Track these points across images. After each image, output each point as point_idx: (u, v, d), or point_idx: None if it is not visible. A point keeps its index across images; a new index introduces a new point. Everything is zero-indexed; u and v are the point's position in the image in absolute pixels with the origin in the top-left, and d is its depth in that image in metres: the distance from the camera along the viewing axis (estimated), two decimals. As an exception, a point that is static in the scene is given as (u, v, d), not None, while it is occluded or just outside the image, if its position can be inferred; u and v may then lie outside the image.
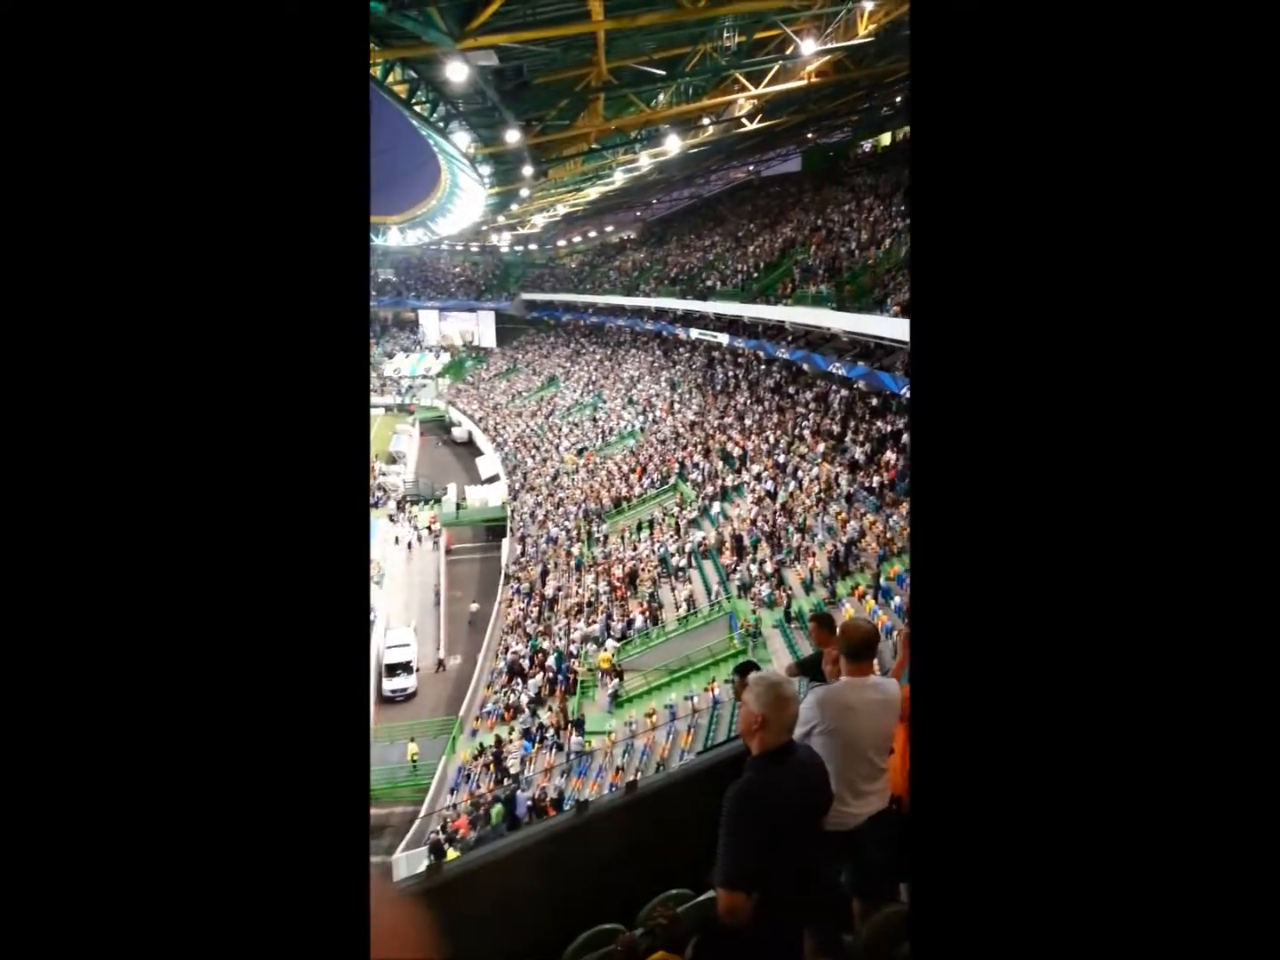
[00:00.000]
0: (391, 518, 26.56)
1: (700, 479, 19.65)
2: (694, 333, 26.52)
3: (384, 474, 31.13)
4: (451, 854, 8.66)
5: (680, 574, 16.51)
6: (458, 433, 37.73)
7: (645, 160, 20.69)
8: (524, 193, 22.09)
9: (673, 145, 18.44)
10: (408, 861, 10.89)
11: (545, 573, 19.80)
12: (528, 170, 16.94)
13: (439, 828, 11.62)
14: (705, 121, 17.91)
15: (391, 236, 40.95)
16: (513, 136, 13.91)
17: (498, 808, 11.07)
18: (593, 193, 26.79)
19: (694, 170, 28.51)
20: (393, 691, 17.08)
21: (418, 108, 13.43)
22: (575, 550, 20.27)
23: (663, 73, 13.64)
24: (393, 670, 17.29)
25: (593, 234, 43.92)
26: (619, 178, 23.49)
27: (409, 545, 24.54)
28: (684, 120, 17.28)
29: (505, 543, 23.45)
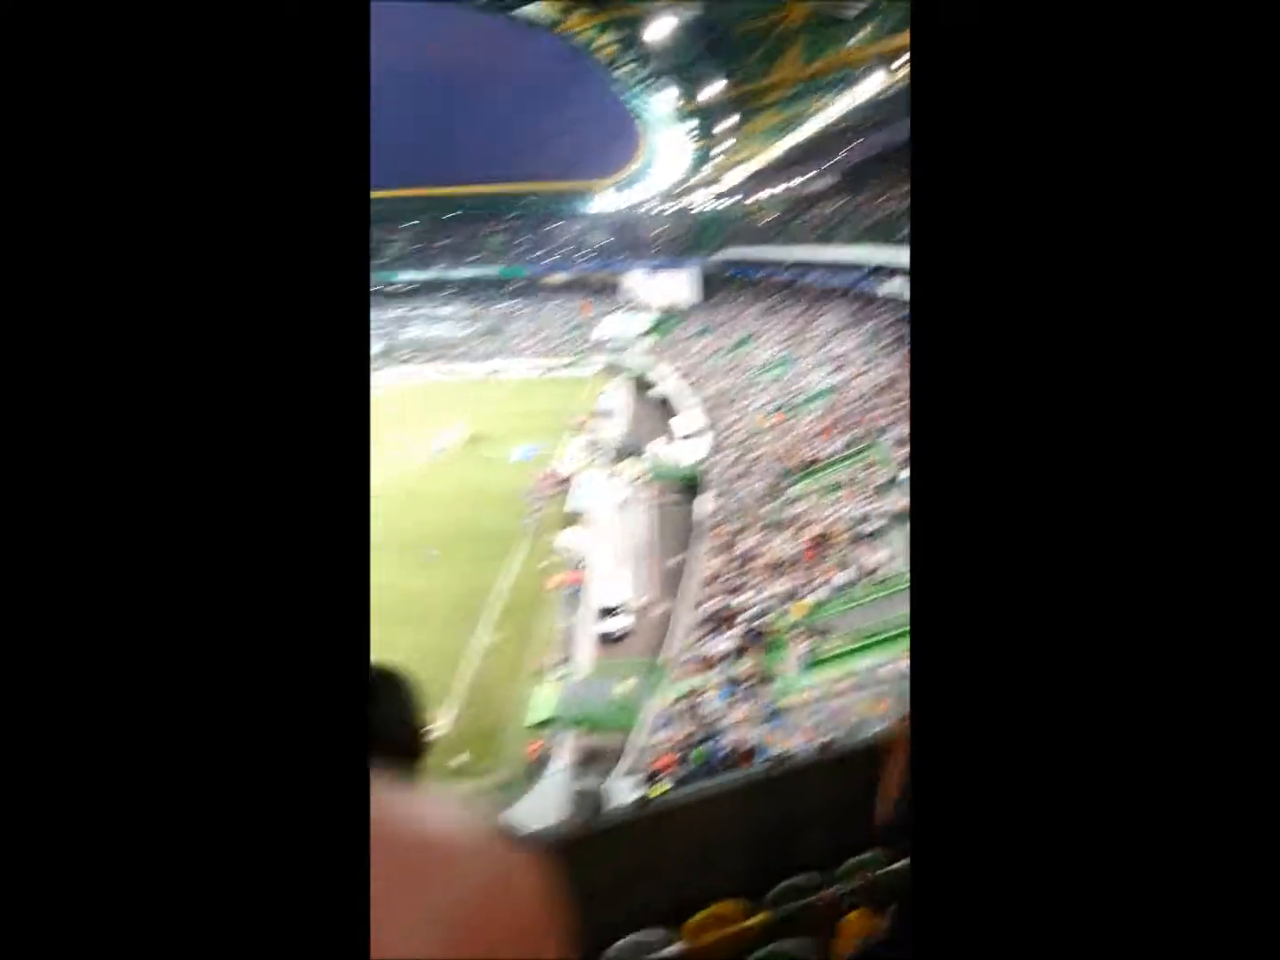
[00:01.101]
0: (606, 473, 28.09)
1: (894, 442, 18.68)
2: (894, 282, 24.81)
3: (595, 430, 32.87)
4: (655, 790, 9.33)
5: (875, 537, 15.98)
6: (656, 391, 38.70)
7: (841, 104, 19.48)
8: (723, 146, 21.77)
9: (870, 87, 17.19)
10: (616, 792, 11.82)
11: (740, 530, 20.05)
12: (727, 123, 16.69)
13: (647, 764, 12.51)
14: (904, 60, 16.48)
15: (597, 202, 42.12)
16: (713, 90, 13.77)
17: (697, 751, 11.67)
18: (789, 142, 25.74)
19: (891, 114, 26.39)
20: (606, 632, 18.38)
21: (623, 70, 13.69)
22: (767, 510, 20.25)
23: (861, 5, 12.74)
24: (606, 612, 18.60)
25: (789, 185, 42.21)
26: (815, 124, 22.35)
27: (619, 497, 25.89)
28: (883, 59, 16.04)
29: (701, 499, 23.95)
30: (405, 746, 1.03)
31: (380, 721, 1.00)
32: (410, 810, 0.36)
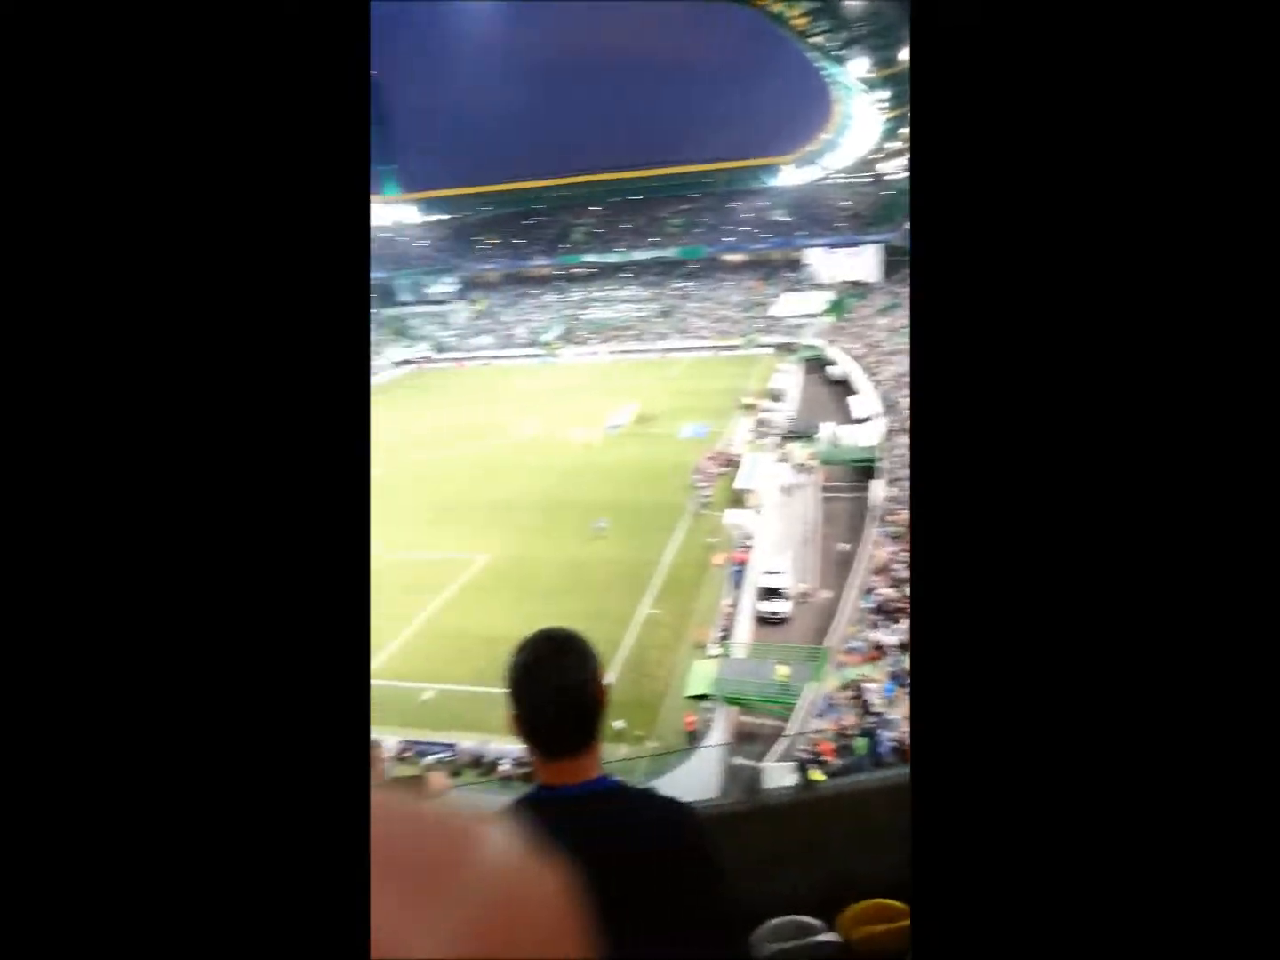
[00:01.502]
0: (775, 454, 27.75)
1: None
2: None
3: (766, 410, 32.41)
4: (815, 775, 9.15)
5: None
6: (834, 371, 37.38)
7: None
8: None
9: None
10: (773, 773, 11.74)
11: (920, 518, 18.98)
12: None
13: (805, 748, 12.34)
14: None
15: (782, 176, 41.16)
16: (906, 56, 12.94)
17: (861, 741, 11.33)
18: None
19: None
20: (766, 613, 18.24)
21: (815, 39, 13.22)
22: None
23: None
24: (767, 593, 18.44)
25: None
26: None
27: (786, 480, 25.46)
28: None
29: (874, 485, 22.95)
30: (590, 700, 1.08)
31: (565, 676, 1.06)
32: (423, 818, 0.36)
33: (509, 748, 12.77)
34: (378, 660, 16.85)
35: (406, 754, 13.78)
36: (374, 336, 60.25)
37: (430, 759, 13.76)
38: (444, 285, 65.25)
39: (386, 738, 13.14)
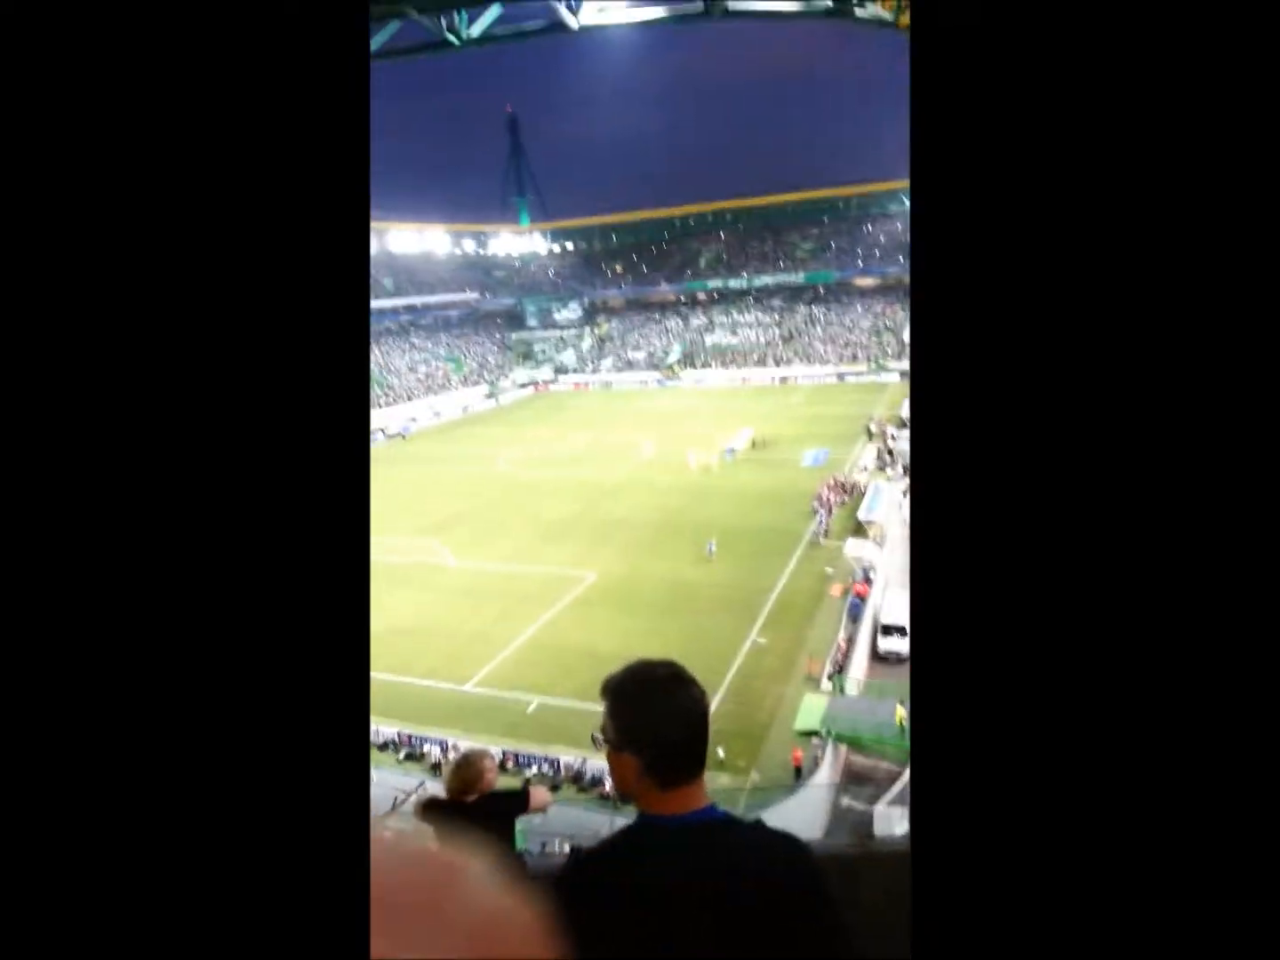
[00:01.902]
0: (901, 485, 26.48)
1: None
2: None
3: (894, 438, 31.11)
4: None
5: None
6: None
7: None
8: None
9: None
10: (886, 817, 10.94)
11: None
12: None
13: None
14: None
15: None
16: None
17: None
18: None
19: None
20: (886, 652, 17.19)
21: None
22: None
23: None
24: (888, 630, 17.40)
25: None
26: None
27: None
28: None
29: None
30: (706, 727, 1.09)
31: (690, 704, 1.07)
32: (409, 848, 0.39)
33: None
34: (485, 669, 17.17)
35: (508, 764, 13.85)
36: (500, 359, 62.96)
37: (532, 771, 13.76)
38: (569, 311, 67.45)
39: (491, 747, 13.25)
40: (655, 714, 1.07)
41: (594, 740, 1.12)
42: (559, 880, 1.02)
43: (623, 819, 1.15)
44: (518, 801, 2.43)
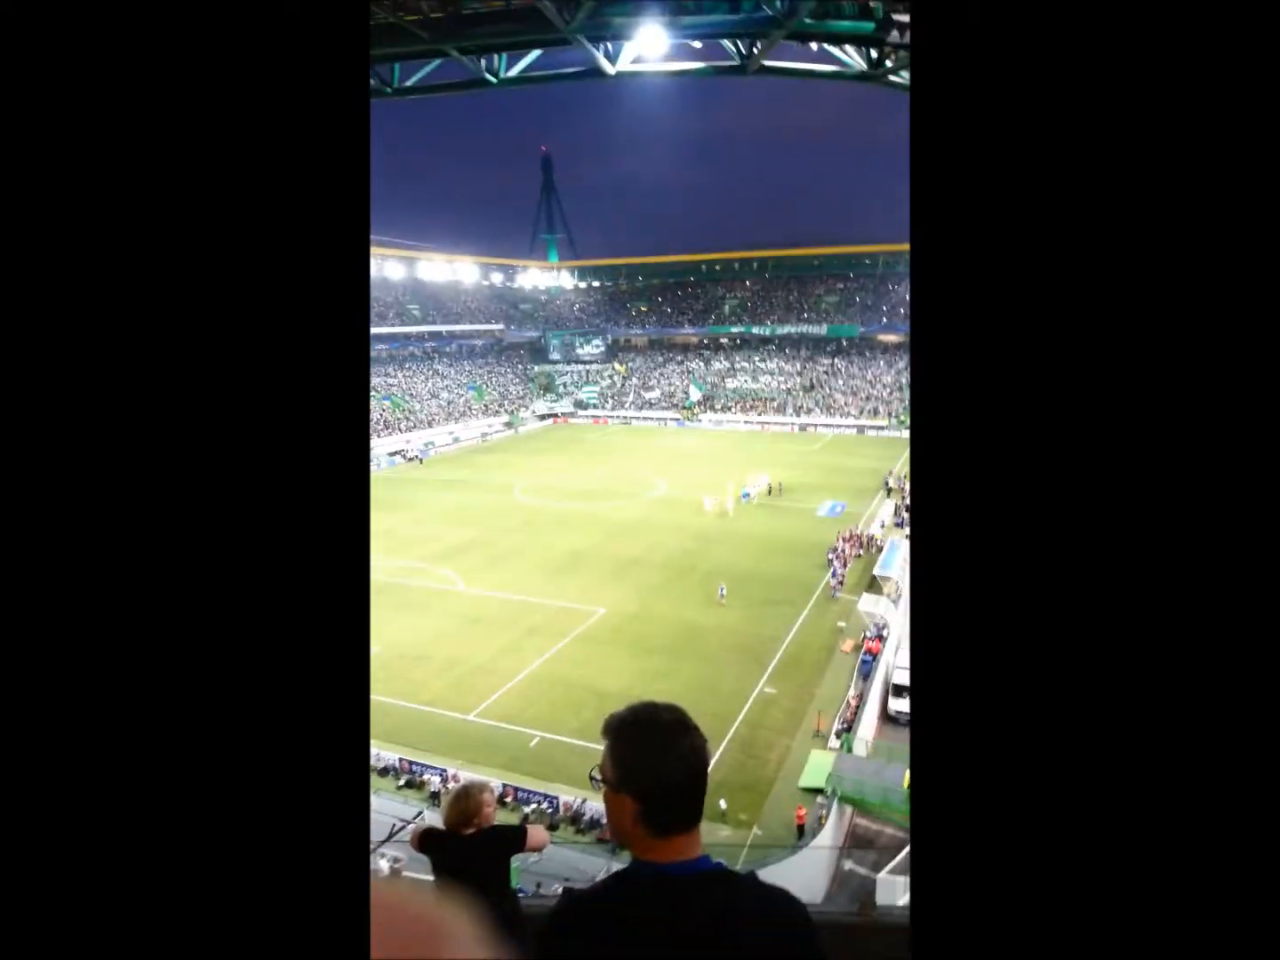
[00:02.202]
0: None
1: None
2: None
3: (910, 495, 30.96)
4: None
5: None
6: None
7: None
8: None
9: None
10: (887, 886, 10.64)
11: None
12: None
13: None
14: None
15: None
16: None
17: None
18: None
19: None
20: (896, 712, 16.89)
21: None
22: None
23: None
24: (899, 690, 17.12)
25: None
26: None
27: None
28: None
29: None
30: (705, 776, 1.07)
31: (694, 752, 1.05)
32: (394, 897, 0.40)
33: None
34: (489, 700, 17.01)
35: (507, 798, 13.63)
36: (521, 390, 63.49)
37: (531, 808, 13.53)
38: (592, 347, 68.17)
39: (492, 780, 13.06)
40: (656, 758, 1.04)
41: (591, 779, 1.10)
42: (550, 921, 1.01)
43: (619, 864, 1.12)
44: (516, 839, 2.38)
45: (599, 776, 1.08)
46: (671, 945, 0.93)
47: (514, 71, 10.20)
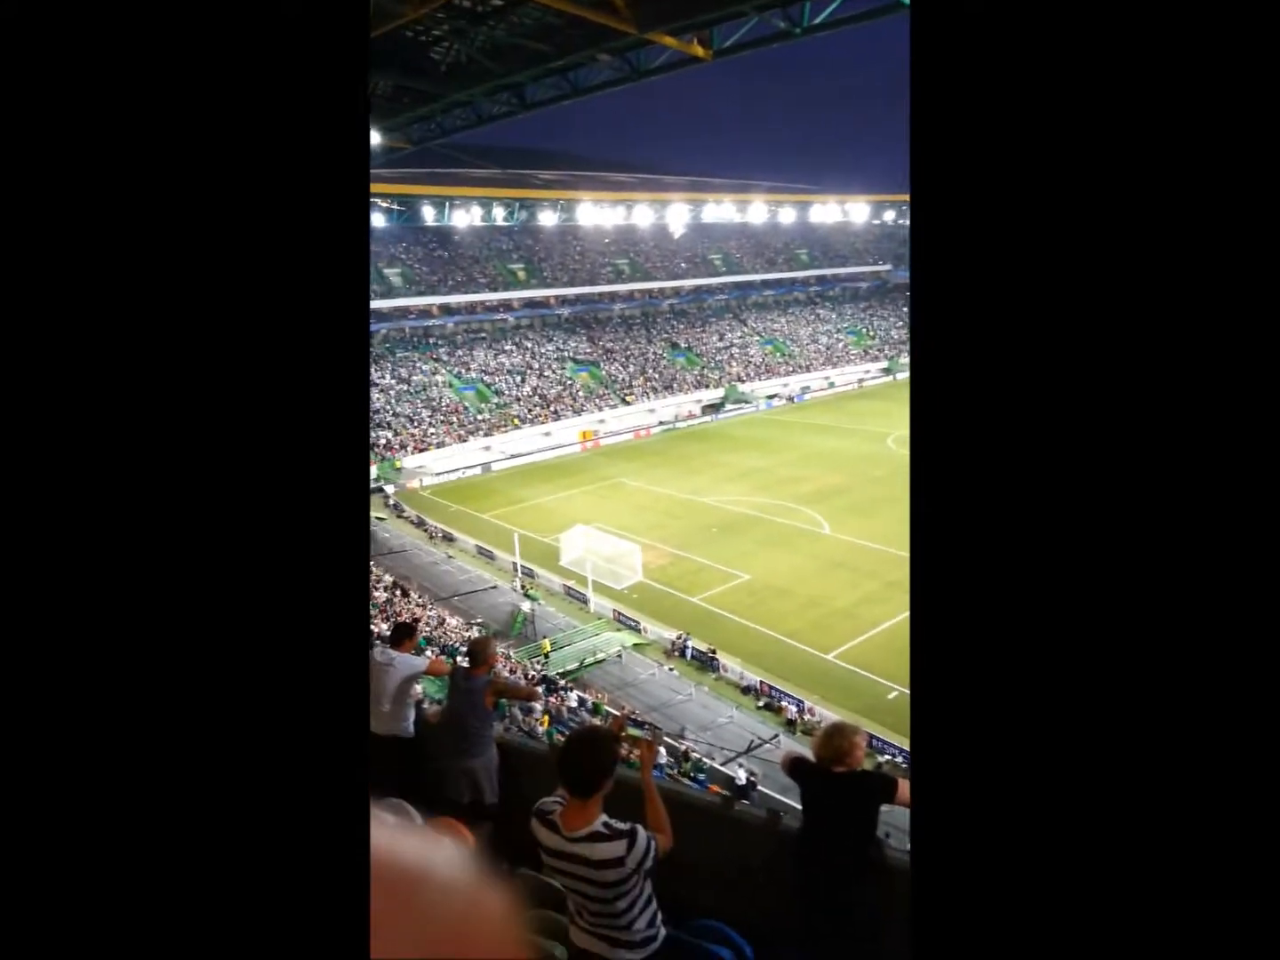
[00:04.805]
0: None
1: None
2: None
3: None
4: None
5: None
6: None
7: None
8: None
9: None
10: None
11: None
12: None
13: None
14: None
15: None
16: None
17: None
18: None
19: None
20: None
21: None
22: None
23: None
24: None
25: None
26: None
27: None
28: None
29: None
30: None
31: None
32: (390, 843, 0.40)
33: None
34: (848, 644, 17.03)
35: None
36: (903, 335, 60.15)
37: (885, 758, 13.46)
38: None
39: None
40: None
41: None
42: None
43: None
44: (888, 789, 2.36)
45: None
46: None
47: (819, 19, 11.50)
